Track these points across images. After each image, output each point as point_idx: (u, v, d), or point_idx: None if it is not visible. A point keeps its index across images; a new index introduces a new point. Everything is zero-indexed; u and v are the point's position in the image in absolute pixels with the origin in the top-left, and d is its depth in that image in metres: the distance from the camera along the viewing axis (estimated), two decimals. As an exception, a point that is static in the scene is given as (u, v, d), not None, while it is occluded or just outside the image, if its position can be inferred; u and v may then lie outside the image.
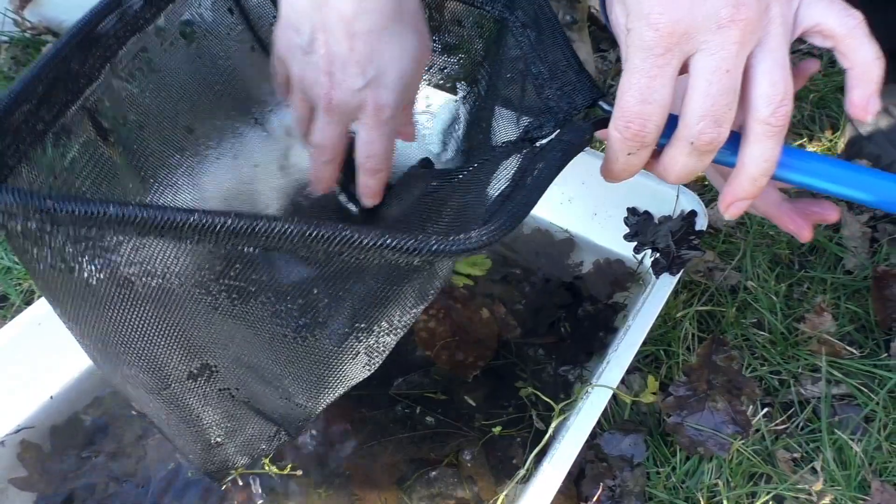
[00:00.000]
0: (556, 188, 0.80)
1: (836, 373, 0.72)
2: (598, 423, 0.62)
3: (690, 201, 0.72)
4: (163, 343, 0.41)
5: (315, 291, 0.40)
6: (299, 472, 0.64)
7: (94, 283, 0.36)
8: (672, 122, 0.40)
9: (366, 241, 0.34)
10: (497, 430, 0.66)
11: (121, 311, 0.39)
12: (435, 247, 0.34)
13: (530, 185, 0.38)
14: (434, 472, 0.64)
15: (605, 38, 1.12)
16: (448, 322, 0.73)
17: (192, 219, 0.31)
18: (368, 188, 0.53)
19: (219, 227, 0.32)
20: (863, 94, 0.39)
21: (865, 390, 0.71)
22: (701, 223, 0.70)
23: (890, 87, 0.89)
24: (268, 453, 0.55)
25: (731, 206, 0.41)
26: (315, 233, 0.33)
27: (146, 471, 0.65)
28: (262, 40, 0.58)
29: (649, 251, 0.73)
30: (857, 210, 0.88)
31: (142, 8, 0.47)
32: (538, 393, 0.68)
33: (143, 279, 0.37)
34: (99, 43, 0.44)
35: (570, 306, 0.76)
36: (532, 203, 0.38)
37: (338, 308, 0.41)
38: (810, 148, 0.96)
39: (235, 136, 0.59)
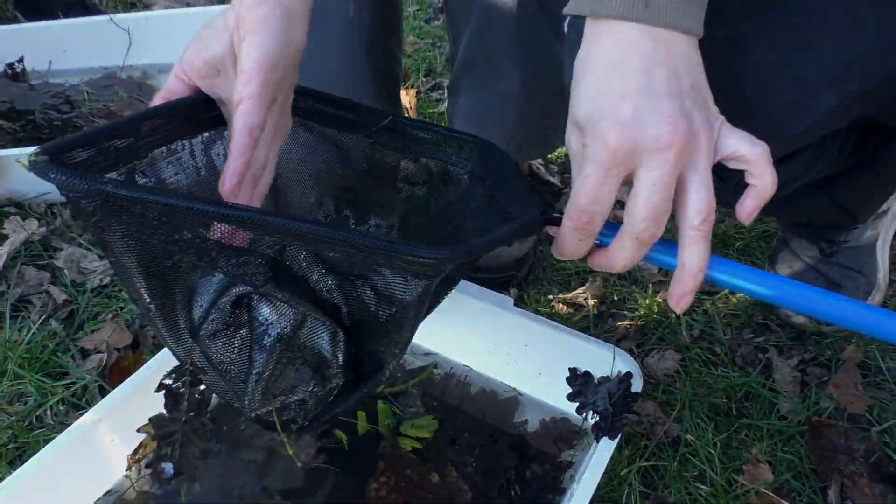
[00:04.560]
0: (502, 348, 0.85)
1: (776, 525, 0.75)
2: None
3: (626, 363, 0.76)
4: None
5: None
6: None
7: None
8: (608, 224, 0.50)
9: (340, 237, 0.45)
10: None
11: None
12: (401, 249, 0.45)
13: (491, 237, 0.51)
14: None
15: (546, 192, 1.19)
16: (400, 490, 0.74)
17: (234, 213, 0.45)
18: None
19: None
20: (754, 205, 0.49)
21: (806, 542, 0.74)
22: (636, 385, 0.74)
23: (802, 242, 0.97)
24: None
25: (681, 299, 0.50)
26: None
27: None
28: None
29: (591, 411, 0.76)
30: (787, 354, 0.93)
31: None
32: (489, 563, 0.69)
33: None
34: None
35: (518, 466, 0.78)
36: (495, 242, 0.50)
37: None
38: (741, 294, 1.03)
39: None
